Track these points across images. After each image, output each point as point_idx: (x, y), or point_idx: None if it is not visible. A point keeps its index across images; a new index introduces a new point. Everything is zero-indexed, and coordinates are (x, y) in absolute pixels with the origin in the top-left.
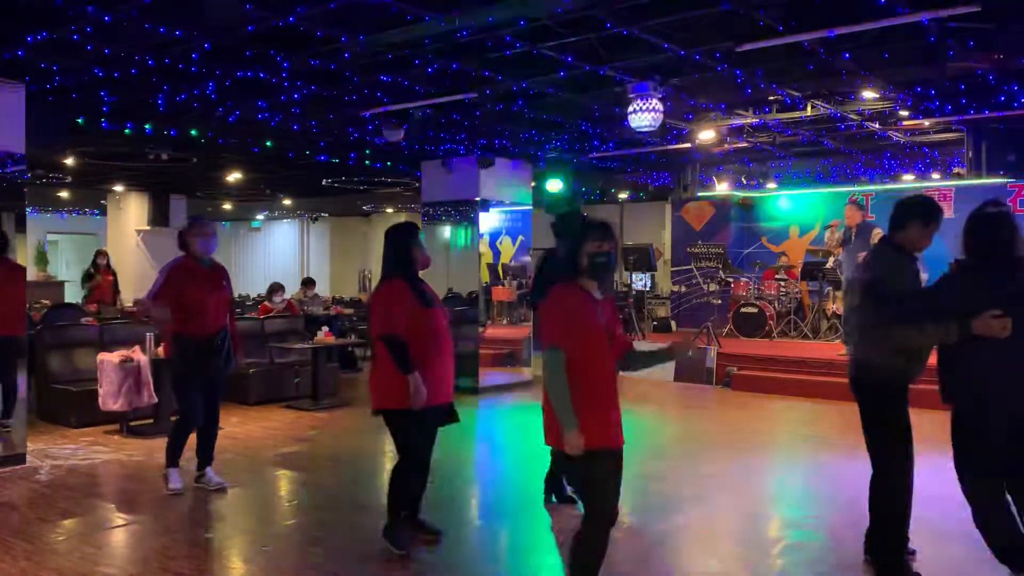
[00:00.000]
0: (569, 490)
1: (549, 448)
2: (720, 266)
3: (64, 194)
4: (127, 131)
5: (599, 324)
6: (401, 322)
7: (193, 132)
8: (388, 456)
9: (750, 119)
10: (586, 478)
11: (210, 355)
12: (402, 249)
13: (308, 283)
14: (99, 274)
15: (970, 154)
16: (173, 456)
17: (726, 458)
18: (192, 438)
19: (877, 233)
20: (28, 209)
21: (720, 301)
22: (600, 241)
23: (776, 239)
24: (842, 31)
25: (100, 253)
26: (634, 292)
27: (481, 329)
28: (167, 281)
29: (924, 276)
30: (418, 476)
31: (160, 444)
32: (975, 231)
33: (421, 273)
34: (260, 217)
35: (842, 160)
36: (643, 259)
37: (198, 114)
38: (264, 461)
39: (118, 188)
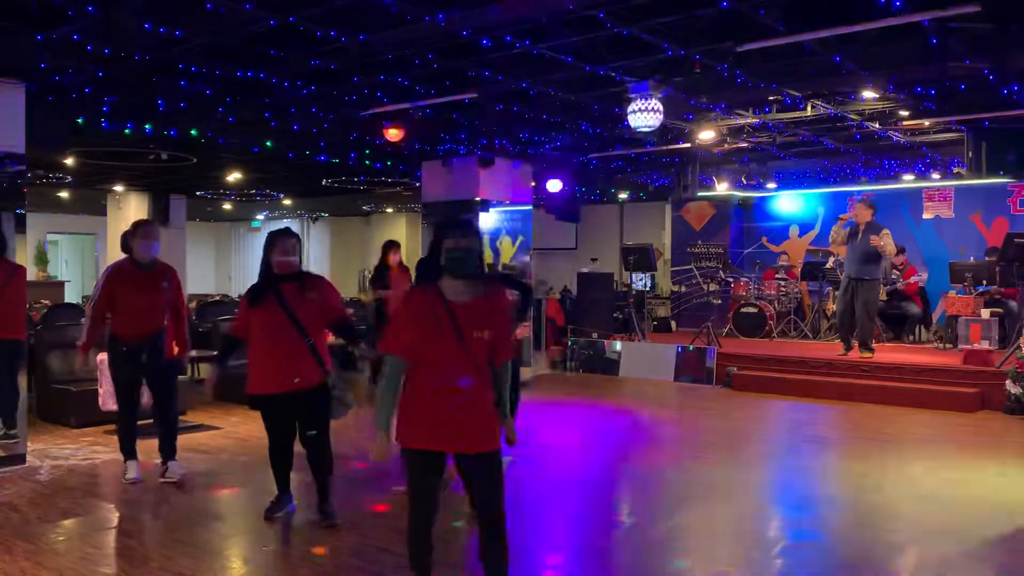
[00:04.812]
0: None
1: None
2: (720, 266)
3: (64, 194)
4: (127, 131)
5: (440, 327)
6: (234, 322)
7: (193, 132)
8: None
9: (750, 119)
10: (406, 473)
11: (138, 356)
12: (261, 259)
13: None
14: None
15: (970, 154)
16: (124, 450)
17: (726, 458)
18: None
19: (885, 233)
20: (28, 209)
21: (720, 301)
22: (457, 238)
23: (776, 239)
24: (842, 31)
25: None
26: (634, 292)
27: None
28: (101, 286)
29: (924, 276)
30: (272, 457)
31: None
32: None
33: None
34: (260, 217)
35: (842, 160)
36: (643, 259)
37: (198, 114)
38: (264, 461)
39: (118, 188)
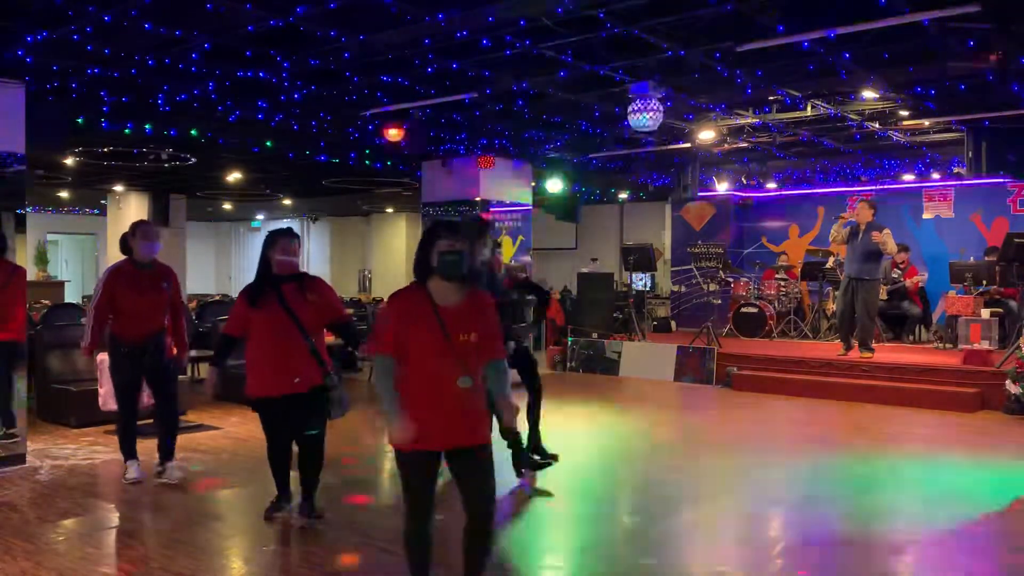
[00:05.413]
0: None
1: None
2: (720, 266)
3: (64, 194)
4: (127, 131)
5: (428, 329)
6: (228, 323)
7: (193, 132)
8: (387, 457)
9: (750, 119)
10: (400, 475)
11: (140, 357)
12: (260, 257)
13: None
14: None
15: (970, 154)
16: (125, 450)
17: (726, 458)
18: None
19: (887, 232)
20: (28, 209)
21: (720, 301)
22: (451, 240)
23: (776, 239)
24: (842, 31)
25: None
26: (634, 292)
27: None
28: (102, 288)
29: (924, 276)
30: (272, 458)
31: None
32: None
33: None
34: (260, 217)
35: (842, 160)
36: (643, 259)
37: (198, 114)
38: (264, 461)
39: (118, 188)
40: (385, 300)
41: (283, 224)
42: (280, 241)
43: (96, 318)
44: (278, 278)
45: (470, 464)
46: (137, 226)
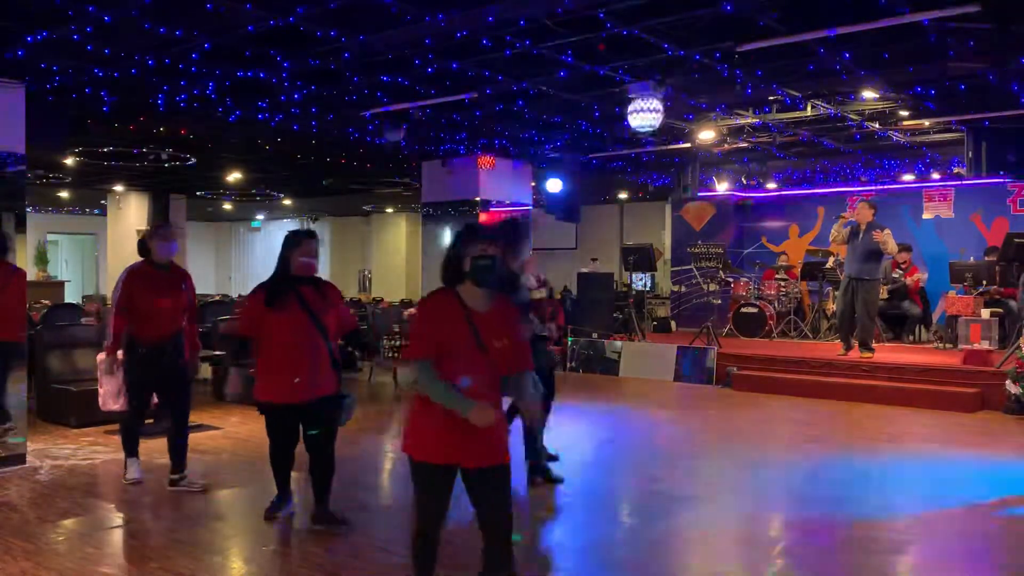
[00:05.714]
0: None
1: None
2: (720, 266)
3: (64, 194)
4: (128, 130)
5: (461, 336)
6: (241, 323)
7: (193, 133)
8: (388, 457)
9: (750, 119)
10: (413, 484)
11: (158, 360)
12: (279, 257)
13: None
14: None
15: (970, 154)
16: (127, 449)
17: (726, 458)
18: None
19: (888, 232)
20: (28, 209)
21: (720, 301)
22: (486, 244)
23: (776, 239)
24: (842, 31)
25: None
26: (634, 292)
27: None
28: (121, 289)
29: (924, 275)
30: (274, 460)
31: (160, 445)
32: None
33: None
34: (260, 217)
35: (842, 160)
36: (643, 259)
37: (198, 114)
38: (264, 460)
39: (118, 188)
40: (384, 300)
41: (284, 224)
42: (304, 242)
43: (117, 317)
44: (296, 279)
45: (488, 484)
46: (156, 227)
